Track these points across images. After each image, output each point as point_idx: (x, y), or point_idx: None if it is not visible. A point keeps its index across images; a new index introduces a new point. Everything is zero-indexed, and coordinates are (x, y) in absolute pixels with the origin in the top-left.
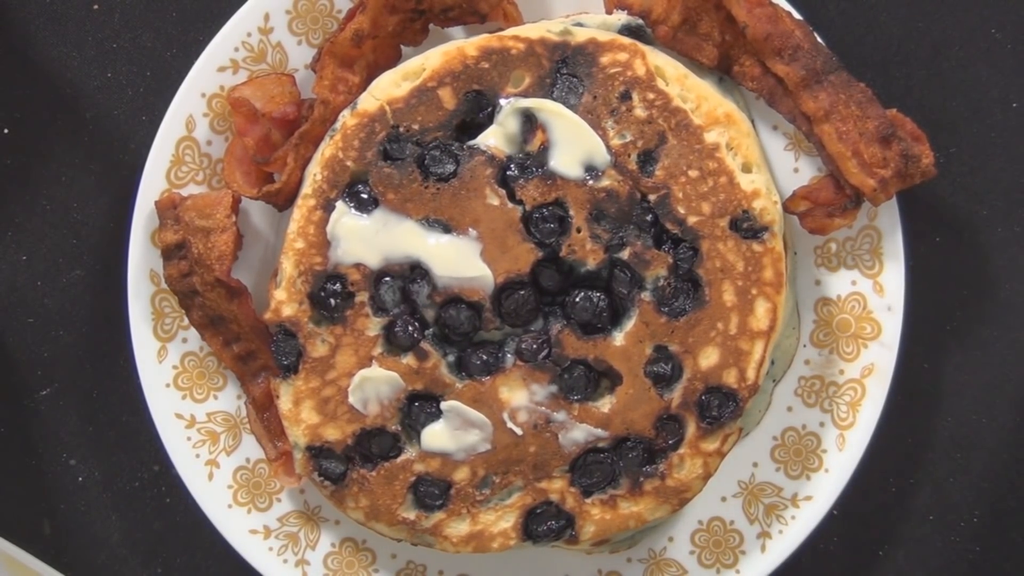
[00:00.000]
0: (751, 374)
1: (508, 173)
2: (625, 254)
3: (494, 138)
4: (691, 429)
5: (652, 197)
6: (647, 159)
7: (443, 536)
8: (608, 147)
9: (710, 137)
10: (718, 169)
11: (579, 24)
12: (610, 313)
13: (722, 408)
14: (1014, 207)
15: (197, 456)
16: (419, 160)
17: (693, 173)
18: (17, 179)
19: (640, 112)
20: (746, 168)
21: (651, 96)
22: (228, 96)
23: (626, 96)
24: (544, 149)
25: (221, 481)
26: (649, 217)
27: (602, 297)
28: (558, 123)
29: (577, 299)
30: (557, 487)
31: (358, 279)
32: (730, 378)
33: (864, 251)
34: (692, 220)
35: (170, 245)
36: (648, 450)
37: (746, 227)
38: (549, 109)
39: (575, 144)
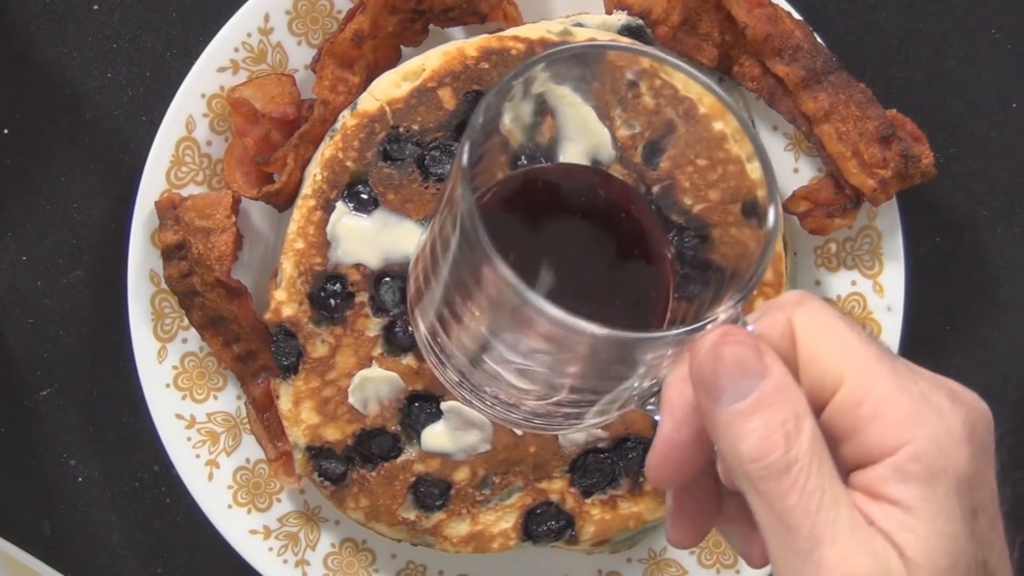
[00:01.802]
0: None
1: (519, 163)
2: None
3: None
4: None
5: (655, 189)
6: (653, 150)
7: (443, 536)
8: (614, 138)
9: (717, 126)
10: (726, 158)
11: (579, 24)
12: None
13: None
14: (1014, 207)
15: (197, 456)
16: (419, 160)
17: (701, 162)
18: (17, 179)
19: (648, 100)
20: (750, 159)
21: (658, 83)
22: (228, 96)
23: (633, 85)
24: (553, 141)
25: (221, 481)
26: (652, 209)
27: None
28: (567, 110)
29: None
30: (557, 487)
31: (358, 279)
32: None
33: (864, 251)
34: (699, 208)
35: (170, 245)
36: (647, 450)
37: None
38: (559, 93)
39: (583, 136)
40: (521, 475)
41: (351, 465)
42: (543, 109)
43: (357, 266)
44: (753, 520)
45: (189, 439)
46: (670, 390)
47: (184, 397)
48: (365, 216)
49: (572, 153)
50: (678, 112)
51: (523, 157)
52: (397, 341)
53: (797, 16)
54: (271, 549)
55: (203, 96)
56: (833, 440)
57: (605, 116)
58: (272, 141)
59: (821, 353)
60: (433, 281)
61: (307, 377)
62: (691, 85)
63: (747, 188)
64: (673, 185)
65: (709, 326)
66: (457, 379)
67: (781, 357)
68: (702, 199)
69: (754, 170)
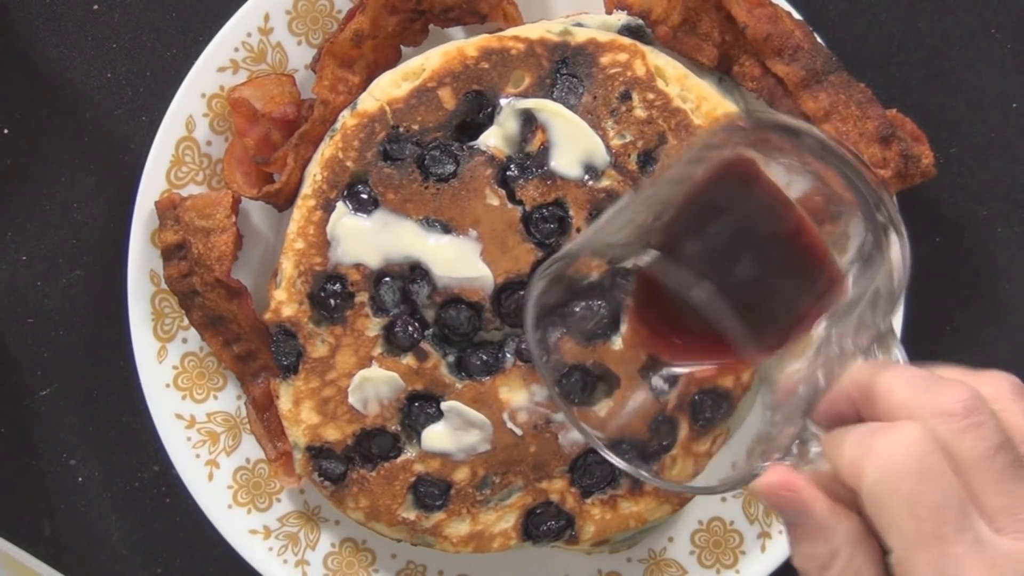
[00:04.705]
0: (745, 375)
1: (508, 173)
2: None
3: (494, 138)
4: (684, 431)
5: None
6: (647, 159)
7: (443, 536)
8: (608, 147)
9: None
10: None
11: (579, 24)
12: (610, 319)
13: (715, 409)
14: (1014, 207)
15: (197, 456)
16: (419, 160)
17: None
18: (17, 179)
19: (640, 112)
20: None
21: (651, 96)
22: (228, 96)
23: (626, 96)
24: (544, 149)
25: (221, 481)
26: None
27: (602, 305)
28: (558, 123)
29: (576, 308)
30: (557, 487)
31: (358, 279)
32: (724, 379)
33: None
34: None
35: (170, 245)
36: (642, 452)
37: None
38: (549, 109)
39: (575, 144)
40: (521, 475)
41: (351, 465)
42: (532, 124)
43: (357, 266)
44: None
45: (189, 439)
46: None
47: (184, 397)
48: (365, 216)
49: (565, 160)
50: (670, 124)
51: (512, 166)
52: (397, 341)
53: (797, 16)
54: (271, 549)
55: (203, 96)
56: None
57: (597, 127)
58: (272, 141)
59: (875, 520)
60: None
61: (307, 377)
62: None
63: None
64: None
65: (761, 468)
66: None
67: (845, 487)
68: None
69: None
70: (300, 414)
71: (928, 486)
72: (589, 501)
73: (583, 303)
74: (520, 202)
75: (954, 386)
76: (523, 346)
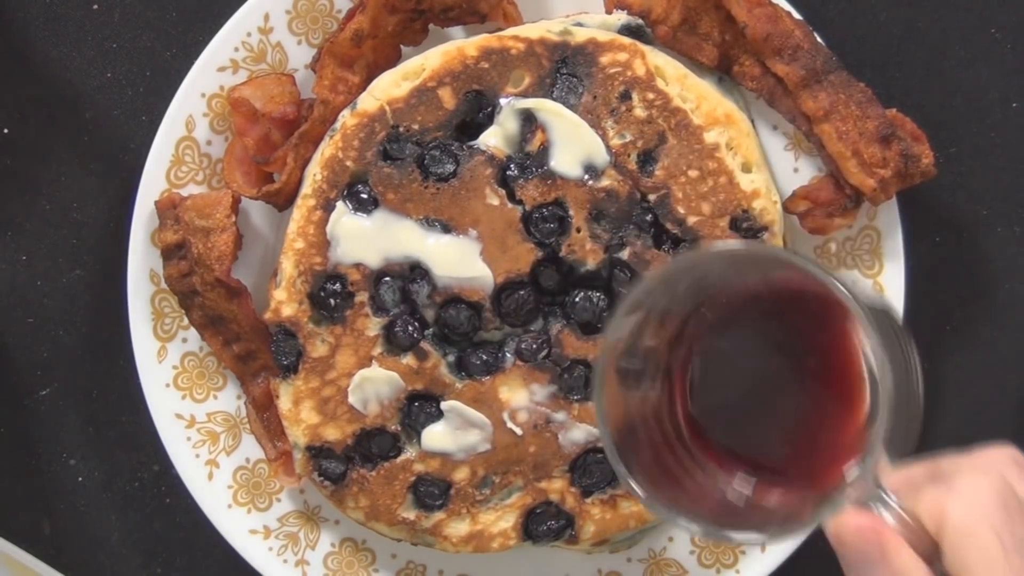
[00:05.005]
0: None
1: (508, 173)
2: (625, 254)
3: (494, 138)
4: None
5: (652, 197)
6: (647, 159)
7: (443, 536)
8: (608, 147)
9: (710, 137)
10: (717, 169)
11: (579, 24)
12: (610, 313)
13: None
14: (1014, 207)
15: (197, 456)
16: (419, 160)
17: (693, 173)
18: (17, 179)
19: (640, 112)
20: (746, 168)
21: (651, 96)
22: (228, 96)
23: (626, 96)
24: (544, 149)
25: (221, 481)
26: (649, 217)
27: (602, 297)
28: (558, 123)
29: (577, 299)
30: (557, 487)
31: (358, 279)
32: None
33: (864, 251)
34: (692, 220)
35: (170, 245)
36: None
37: (746, 227)
38: (549, 109)
39: (575, 144)
40: (521, 475)
41: (351, 465)
42: (532, 123)
43: (357, 266)
44: None
45: (189, 439)
46: None
47: (184, 397)
48: (365, 216)
49: (565, 160)
50: (669, 124)
51: (512, 166)
52: (397, 341)
53: (797, 16)
54: (271, 549)
55: (203, 96)
56: None
57: (596, 127)
58: (272, 141)
59: (960, 556)
60: None
61: (307, 377)
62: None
63: (736, 201)
64: (668, 195)
65: (829, 513)
66: None
67: (929, 534)
68: (694, 211)
69: (747, 182)
70: (300, 414)
71: (1016, 519)
72: (589, 501)
73: (582, 293)
74: (520, 202)
75: (997, 446)
76: (522, 346)
